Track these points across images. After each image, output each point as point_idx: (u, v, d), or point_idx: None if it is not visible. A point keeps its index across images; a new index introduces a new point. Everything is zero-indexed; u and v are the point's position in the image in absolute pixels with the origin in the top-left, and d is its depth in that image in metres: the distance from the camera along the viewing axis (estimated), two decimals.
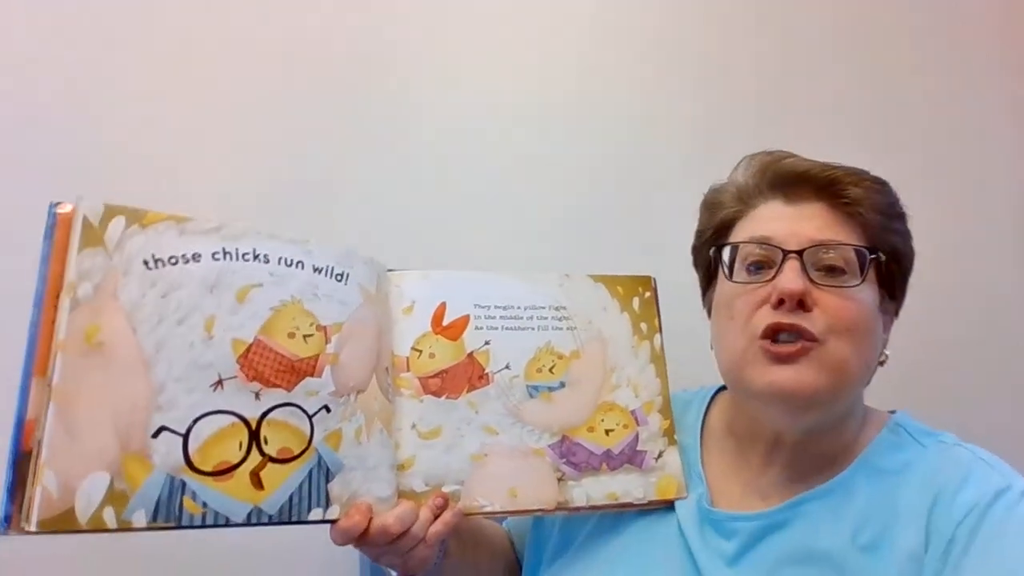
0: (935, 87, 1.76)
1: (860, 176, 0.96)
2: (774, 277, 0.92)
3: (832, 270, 0.92)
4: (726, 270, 0.97)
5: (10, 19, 1.30)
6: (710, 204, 1.04)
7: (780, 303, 0.90)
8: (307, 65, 1.45)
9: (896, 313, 1.00)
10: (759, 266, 0.94)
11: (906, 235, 0.99)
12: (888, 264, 0.95)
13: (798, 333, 0.90)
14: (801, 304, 0.90)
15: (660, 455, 1.00)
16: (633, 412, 1.01)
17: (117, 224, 0.77)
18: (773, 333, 0.91)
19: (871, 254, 0.92)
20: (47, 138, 1.30)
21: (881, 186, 0.97)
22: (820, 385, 0.90)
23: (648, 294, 1.05)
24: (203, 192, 1.35)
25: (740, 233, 0.98)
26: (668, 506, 1.00)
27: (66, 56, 1.33)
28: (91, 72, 1.34)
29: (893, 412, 1.00)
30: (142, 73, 1.37)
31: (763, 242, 0.94)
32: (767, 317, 0.91)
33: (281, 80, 1.44)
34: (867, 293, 0.93)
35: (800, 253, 0.91)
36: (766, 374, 0.91)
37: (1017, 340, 1.69)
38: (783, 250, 0.92)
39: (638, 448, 1.00)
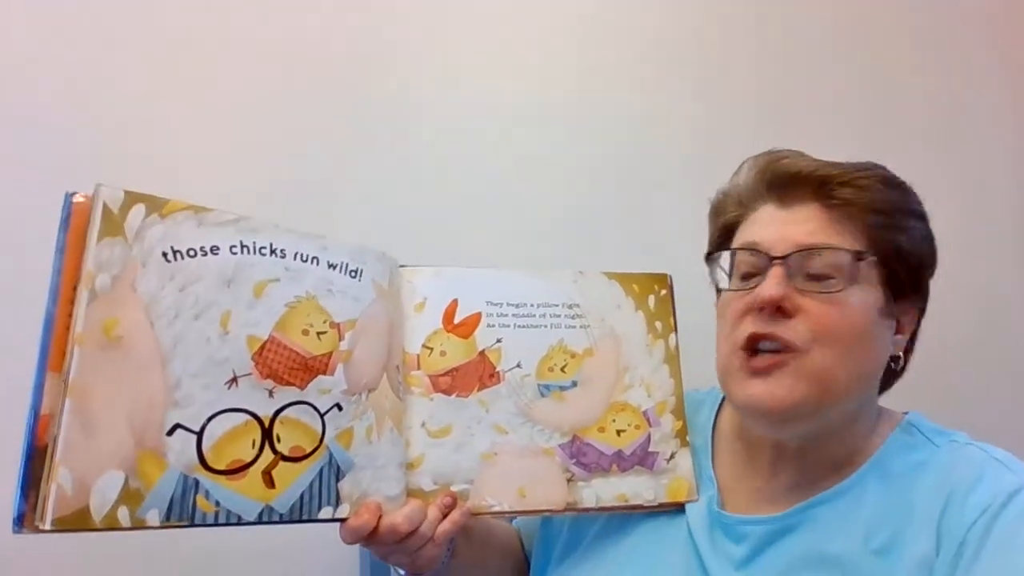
0: (935, 87, 1.76)
1: (857, 174, 0.93)
2: (759, 284, 0.91)
3: (820, 275, 0.90)
4: (721, 277, 0.97)
5: (10, 19, 1.29)
6: (715, 209, 1.03)
7: (761, 310, 0.90)
8: (307, 65, 1.45)
9: (918, 314, 0.98)
10: (750, 273, 0.94)
11: (916, 232, 0.95)
12: (890, 264, 0.92)
13: (777, 342, 0.90)
14: (783, 311, 0.89)
15: (672, 457, 1.00)
16: (645, 412, 1.00)
17: (137, 212, 0.75)
18: (752, 343, 0.91)
19: (859, 257, 0.90)
20: (46, 138, 1.29)
21: (883, 183, 0.94)
22: (797, 397, 0.89)
23: (664, 292, 1.04)
24: (203, 192, 1.32)
25: (738, 239, 0.98)
26: (678, 508, 0.99)
27: (66, 56, 1.31)
28: (91, 72, 1.33)
29: (906, 413, 0.99)
30: (142, 73, 1.36)
31: (752, 248, 0.94)
32: (749, 326, 0.91)
33: (281, 80, 1.43)
34: (859, 296, 0.90)
35: (785, 259, 0.90)
36: (744, 387, 0.91)
37: (1017, 340, 1.69)
38: (769, 256, 0.91)
39: (650, 449, 0.99)
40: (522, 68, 1.58)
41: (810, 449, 0.94)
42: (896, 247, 0.92)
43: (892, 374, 0.98)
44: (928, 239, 0.96)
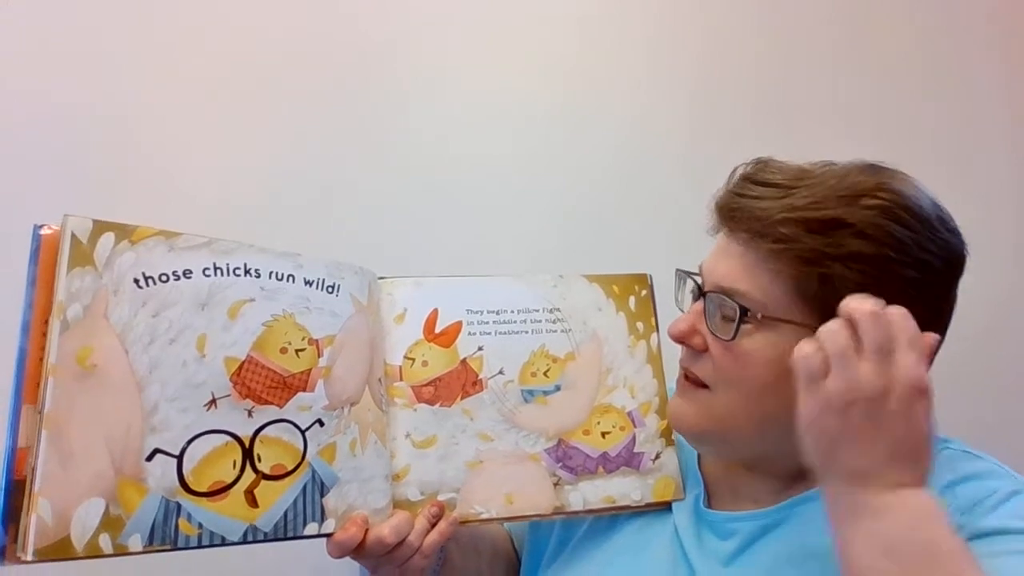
0: (936, 85, 1.73)
1: (792, 216, 0.84)
2: None
3: (732, 320, 0.87)
4: (678, 295, 0.98)
5: (5, 24, 1.29)
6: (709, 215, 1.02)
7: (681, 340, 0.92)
8: (301, 68, 1.43)
9: None
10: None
11: (868, 276, 0.82)
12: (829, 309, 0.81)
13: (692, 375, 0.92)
14: (695, 347, 0.90)
15: (657, 456, 1.00)
16: (630, 413, 1.00)
17: (106, 241, 0.76)
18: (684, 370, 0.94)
19: (744, 312, 0.85)
20: (42, 143, 1.28)
21: (822, 227, 0.83)
22: (701, 427, 0.91)
23: (644, 292, 1.04)
24: (197, 194, 1.35)
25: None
26: (666, 507, 0.99)
27: (61, 64, 1.31)
28: (86, 80, 1.32)
29: None
30: (137, 79, 1.34)
31: (692, 275, 0.94)
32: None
33: (276, 82, 1.41)
34: (764, 344, 0.85)
35: (704, 295, 0.90)
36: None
37: (1018, 341, 1.69)
38: (700, 289, 0.92)
39: (635, 450, 0.99)
40: (521, 68, 1.55)
41: (771, 463, 0.93)
42: (831, 298, 0.79)
43: None
44: (900, 287, 0.82)
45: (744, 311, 0.85)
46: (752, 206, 0.86)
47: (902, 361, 0.71)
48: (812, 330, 0.80)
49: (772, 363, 0.84)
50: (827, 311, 0.80)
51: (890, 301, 0.78)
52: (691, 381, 0.92)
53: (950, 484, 0.83)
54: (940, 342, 0.89)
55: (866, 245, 0.82)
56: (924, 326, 0.81)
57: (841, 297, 0.78)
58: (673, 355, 1.02)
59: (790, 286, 0.84)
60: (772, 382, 0.85)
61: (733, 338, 0.86)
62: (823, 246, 0.82)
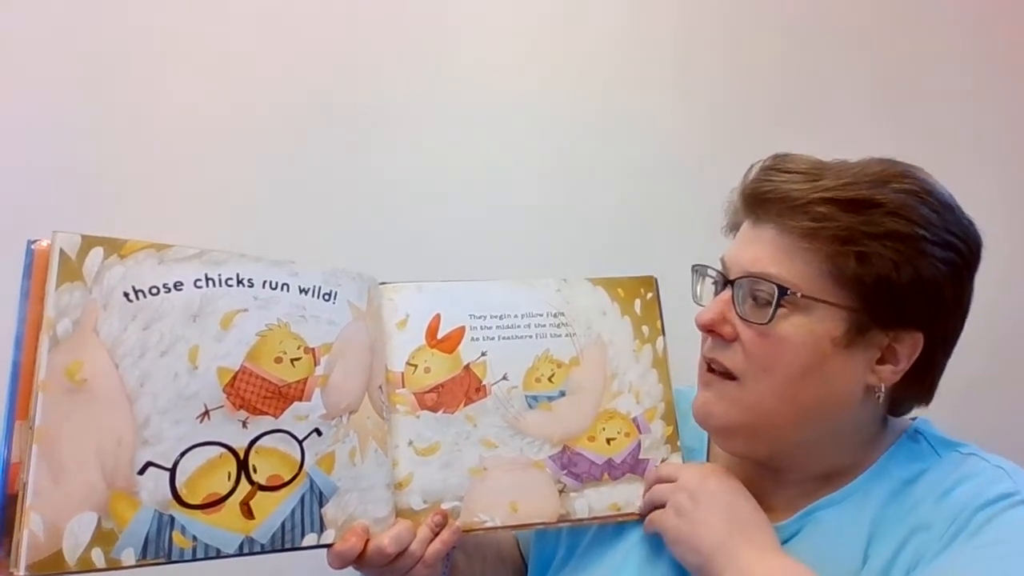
0: (941, 82, 1.69)
1: (827, 196, 0.84)
2: None
3: (765, 303, 0.86)
4: (697, 290, 0.97)
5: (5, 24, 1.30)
6: (724, 211, 1.00)
7: (709, 332, 0.91)
8: (300, 70, 1.43)
9: (932, 341, 0.87)
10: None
11: (902, 255, 0.83)
12: (862, 294, 0.84)
13: (720, 367, 0.90)
14: (724, 336, 0.89)
15: (663, 462, 0.98)
16: (635, 419, 0.99)
17: (95, 256, 0.76)
18: (707, 362, 0.92)
19: (783, 292, 0.84)
20: (41, 144, 1.30)
21: (856, 207, 0.84)
22: (732, 420, 0.90)
23: (650, 295, 1.03)
24: (197, 199, 1.35)
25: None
26: None
27: (61, 64, 1.32)
28: (86, 82, 1.33)
29: (914, 419, 0.96)
30: (136, 81, 1.35)
31: (712, 268, 0.94)
32: (707, 345, 0.92)
33: (275, 84, 1.41)
34: (800, 328, 0.85)
35: (732, 283, 0.89)
36: (696, 397, 0.94)
37: (1018, 342, 1.65)
38: (725, 278, 0.91)
39: (640, 457, 0.98)
40: (520, 68, 1.53)
41: (790, 463, 0.92)
42: (866, 277, 0.83)
43: (906, 399, 0.92)
44: (923, 260, 0.84)
45: (783, 291, 0.85)
46: (785, 188, 0.87)
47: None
48: (848, 310, 0.84)
49: (807, 347, 0.85)
50: (863, 290, 0.83)
51: (922, 278, 0.83)
52: (717, 373, 0.91)
53: (947, 490, 0.84)
54: (959, 332, 0.91)
55: (899, 224, 0.83)
56: (948, 308, 0.87)
57: (877, 275, 0.82)
58: (679, 359, 1.01)
59: (825, 267, 0.84)
60: (806, 367, 0.86)
61: (770, 321, 0.85)
62: (860, 224, 0.83)
